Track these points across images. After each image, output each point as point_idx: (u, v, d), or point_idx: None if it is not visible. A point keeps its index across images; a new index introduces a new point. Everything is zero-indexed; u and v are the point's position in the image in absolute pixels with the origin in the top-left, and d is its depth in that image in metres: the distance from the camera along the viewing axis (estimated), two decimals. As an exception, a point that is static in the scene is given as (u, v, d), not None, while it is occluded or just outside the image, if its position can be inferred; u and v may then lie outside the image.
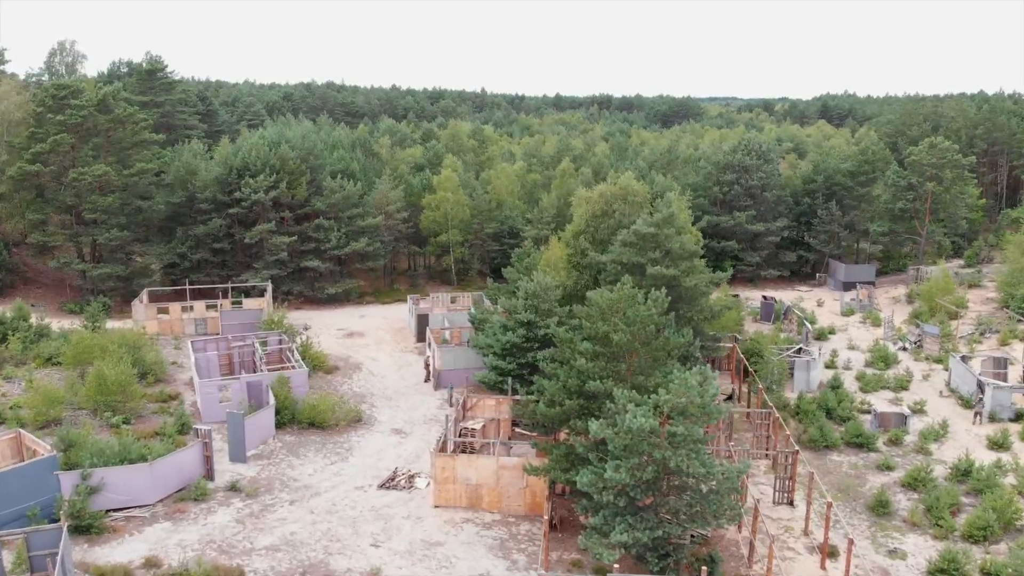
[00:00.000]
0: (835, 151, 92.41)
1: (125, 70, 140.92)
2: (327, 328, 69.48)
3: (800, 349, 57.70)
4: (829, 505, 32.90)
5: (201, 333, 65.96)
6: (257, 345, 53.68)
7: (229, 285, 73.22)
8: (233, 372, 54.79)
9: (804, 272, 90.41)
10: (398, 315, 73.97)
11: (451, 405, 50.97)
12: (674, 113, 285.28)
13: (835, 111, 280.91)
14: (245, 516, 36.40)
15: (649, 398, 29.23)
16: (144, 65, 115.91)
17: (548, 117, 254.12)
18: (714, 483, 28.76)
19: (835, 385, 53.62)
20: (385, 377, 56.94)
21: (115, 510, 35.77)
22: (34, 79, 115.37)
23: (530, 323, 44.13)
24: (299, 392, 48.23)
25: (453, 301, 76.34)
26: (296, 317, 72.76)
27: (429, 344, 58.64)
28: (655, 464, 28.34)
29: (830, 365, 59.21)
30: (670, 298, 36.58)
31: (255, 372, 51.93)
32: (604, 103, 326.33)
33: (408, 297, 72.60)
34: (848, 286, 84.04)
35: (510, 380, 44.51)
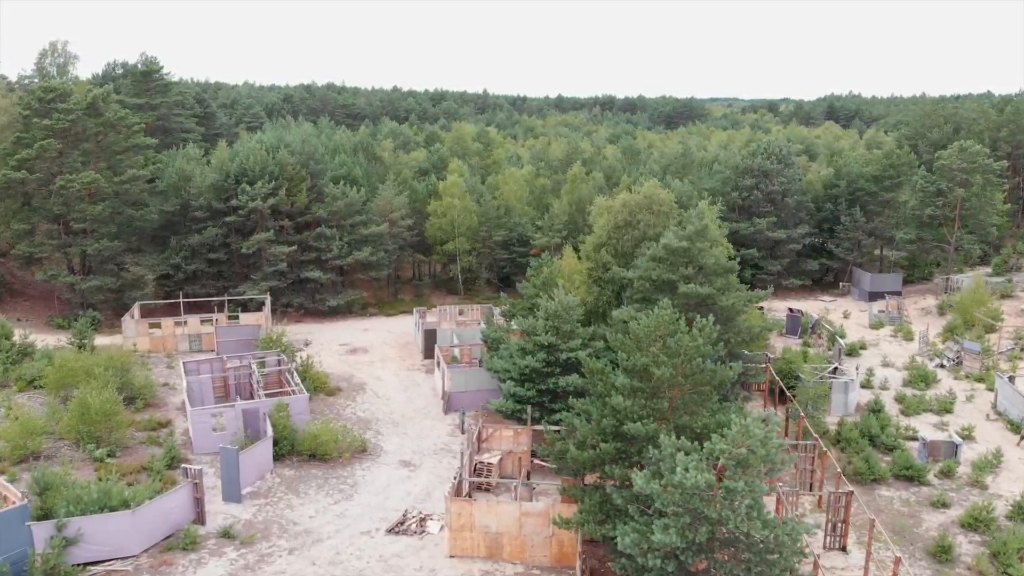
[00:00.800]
0: (857, 155, 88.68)
1: (120, 72, 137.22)
2: (329, 343, 65.78)
3: (836, 368, 53.94)
4: (897, 561, 29.14)
5: (196, 350, 62.26)
6: (255, 367, 49.94)
7: (225, 298, 69.52)
8: (229, 396, 51.07)
9: (826, 281, 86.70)
10: (403, 328, 70.26)
11: (463, 432, 47.25)
12: (678, 114, 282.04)
13: (841, 112, 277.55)
14: (239, 569, 32.66)
15: (700, 445, 25.51)
16: (139, 66, 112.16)
17: (551, 118, 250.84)
18: (774, 545, 25.02)
19: (875, 408, 49.85)
20: (391, 399, 53.20)
21: (94, 563, 32.06)
22: (25, 81, 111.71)
23: (551, 346, 40.40)
24: (299, 419, 44.51)
25: (461, 314, 72.73)
26: (296, 331, 69.09)
27: (438, 363, 54.94)
28: (709, 524, 24.61)
29: (866, 385, 55.47)
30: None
31: (252, 396, 48.29)
32: (606, 104, 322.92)
33: (414, 310, 68.84)
34: (874, 296, 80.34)
35: (530, 409, 40.78)
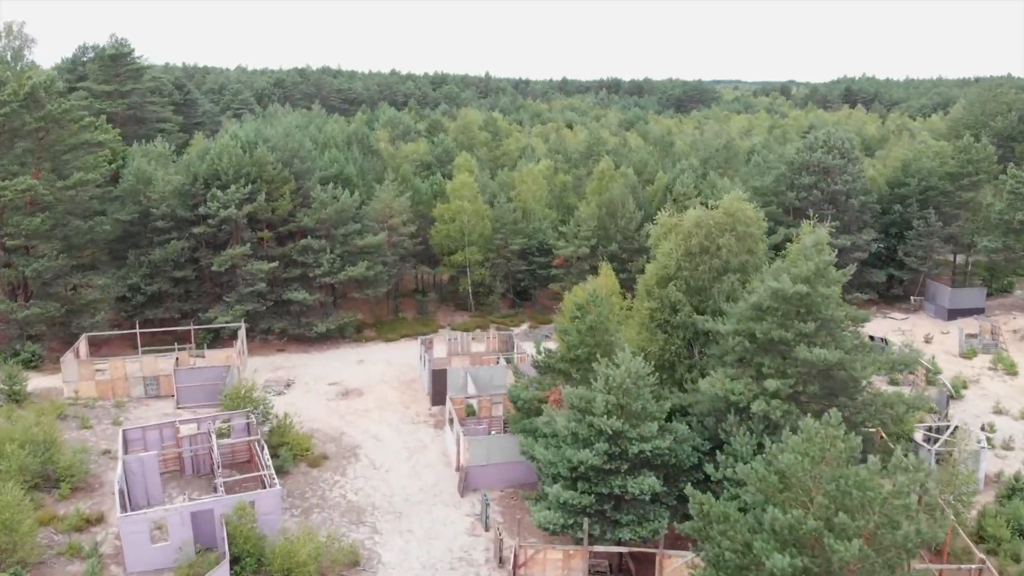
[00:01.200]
0: (929, 148, 76.98)
1: (91, 56, 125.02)
2: (316, 382, 54.43)
3: (955, 428, 42.56)
4: None
5: (152, 395, 50.90)
6: (214, 437, 38.54)
7: (192, 327, 58.06)
8: (183, 471, 39.84)
9: (894, 294, 75.22)
10: (405, 359, 58.85)
11: (486, 529, 36.02)
12: (688, 97, 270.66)
13: (859, 95, 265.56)
14: None
15: None
16: (108, 50, 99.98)
17: (556, 102, 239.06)
18: None
19: (1019, 486, 38.54)
20: (391, 471, 41.85)
21: None
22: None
23: (616, 434, 28.99)
24: (269, 522, 33.21)
25: (474, 339, 61.49)
26: (277, 364, 57.79)
27: (450, 420, 43.64)
28: None
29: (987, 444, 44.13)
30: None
31: (213, 471, 37.09)
32: (612, 87, 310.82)
33: (419, 340, 57.32)
34: (953, 314, 69.02)
35: (587, 523, 29.45)
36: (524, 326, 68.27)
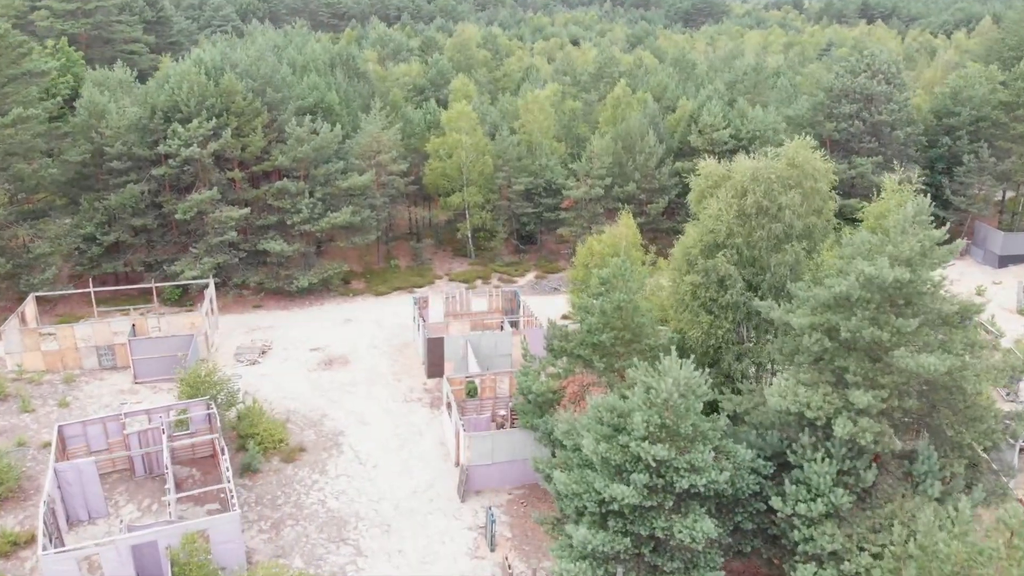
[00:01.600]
0: (981, 73, 68.58)
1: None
2: (295, 347, 48.09)
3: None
4: None
5: (108, 366, 44.58)
6: (165, 438, 32.26)
7: (153, 284, 51.33)
8: (133, 472, 33.81)
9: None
10: (398, 319, 52.35)
11: (492, 548, 30.18)
12: (696, 11, 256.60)
13: (877, 9, 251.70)
14: None
15: None
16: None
17: (559, 15, 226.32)
18: None
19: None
20: (379, 466, 35.84)
21: None
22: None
23: (660, 463, 22.66)
24: (226, 553, 27.26)
25: (472, 290, 55.23)
26: (253, 324, 51.39)
27: (448, 404, 37.44)
28: None
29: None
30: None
31: (166, 479, 31.06)
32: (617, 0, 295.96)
33: (412, 299, 50.67)
34: (1004, 261, 62.45)
35: (621, 571, 23.34)
36: (530, 275, 61.53)
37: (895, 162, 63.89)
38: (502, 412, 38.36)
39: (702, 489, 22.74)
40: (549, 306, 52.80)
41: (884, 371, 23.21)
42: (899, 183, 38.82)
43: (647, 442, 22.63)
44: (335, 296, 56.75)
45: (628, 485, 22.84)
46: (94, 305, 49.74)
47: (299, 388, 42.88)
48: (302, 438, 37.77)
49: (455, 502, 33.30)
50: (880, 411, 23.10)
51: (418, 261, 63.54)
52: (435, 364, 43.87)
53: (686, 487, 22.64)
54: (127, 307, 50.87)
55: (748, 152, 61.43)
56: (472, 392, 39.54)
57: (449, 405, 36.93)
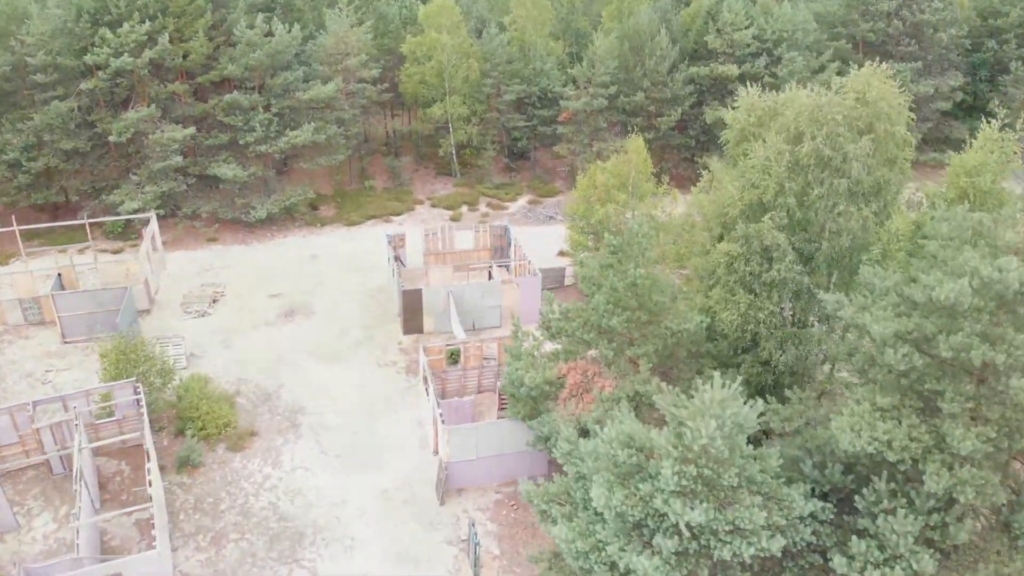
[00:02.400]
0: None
1: None
2: (252, 292, 41.97)
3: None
4: None
5: (34, 322, 38.48)
6: (79, 435, 26.46)
7: (85, 220, 44.47)
8: (51, 470, 28.30)
9: (976, 153, 61.30)
10: (371, 256, 45.90)
11: (474, 568, 25.08)
12: None
13: None
14: None
15: None
16: None
17: None
18: None
19: None
20: (344, 455, 30.36)
21: None
22: None
23: (697, 526, 17.07)
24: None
25: (455, 220, 49.05)
26: (206, 263, 45.14)
27: (425, 379, 31.72)
28: None
29: None
30: None
31: (79, 494, 25.64)
32: None
33: (385, 236, 44.02)
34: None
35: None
36: (522, 200, 54.77)
37: (935, 68, 56.66)
38: (489, 380, 32.79)
39: (748, 559, 17.27)
40: (544, 240, 46.57)
41: (992, 399, 17.41)
42: (999, 130, 31.84)
43: (679, 500, 16.95)
44: (301, 226, 50.12)
45: (651, 549, 17.31)
46: (19, 244, 43.01)
47: (253, 348, 36.95)
48: (254, 418, 32.16)
49: (433, 503, 28.05)
50: (985, 454, 17.43)
51: (396, 181, 56.54)
52: (412, 319, 37.92)
53: (727, 557, 17.15)
54: (65, 245, 44.26)
55: (771, 56, 54.02)
56: (454, 358, 33.79)
57: (427, 381, 31.20)
